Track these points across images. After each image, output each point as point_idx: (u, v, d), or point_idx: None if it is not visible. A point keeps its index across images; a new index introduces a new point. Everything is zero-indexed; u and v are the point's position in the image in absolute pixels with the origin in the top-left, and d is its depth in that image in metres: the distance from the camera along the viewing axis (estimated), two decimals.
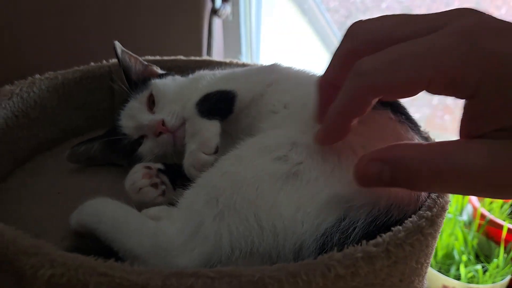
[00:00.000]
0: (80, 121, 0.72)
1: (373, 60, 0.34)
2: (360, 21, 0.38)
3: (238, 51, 1.67)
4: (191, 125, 0.55)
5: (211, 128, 0.53)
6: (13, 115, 0.62)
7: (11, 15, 0.77)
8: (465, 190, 0.33)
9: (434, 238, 0.42)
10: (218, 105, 0.55)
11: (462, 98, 0.33)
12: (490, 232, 1.28)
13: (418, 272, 0.42)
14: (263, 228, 0.40)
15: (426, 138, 0.55)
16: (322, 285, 0.34)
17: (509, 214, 1.35)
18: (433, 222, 0.40)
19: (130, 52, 0.69)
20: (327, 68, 0.41)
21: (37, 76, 0.67)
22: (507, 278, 1.17)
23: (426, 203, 0.42)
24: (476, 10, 0.34)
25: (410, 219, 0.40)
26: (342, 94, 0.37)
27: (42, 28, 0.82)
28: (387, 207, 0.40)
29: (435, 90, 0.33)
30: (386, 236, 0.38)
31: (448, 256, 1.26)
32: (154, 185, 0.54)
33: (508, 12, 1.45)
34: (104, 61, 0.75)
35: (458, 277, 1.20)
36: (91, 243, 0.45)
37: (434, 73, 0.32)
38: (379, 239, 0.37)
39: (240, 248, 0.40)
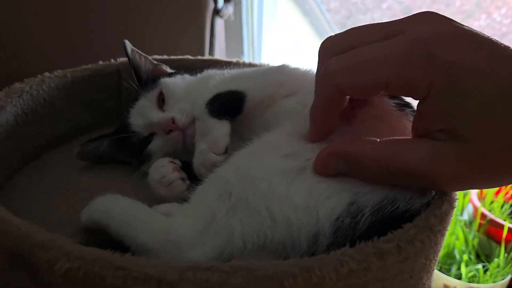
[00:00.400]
0: (88, 119, 0.73)
1: (338, 62, 0.38)
2: (329, 37, 0.42)
3: (240, 52, 1.68)
4: (201, 125, 0.56)
5: (221, 128, 0.53)
6: (23, 113, 0.63)
7: (21, 14, 0.77)
8: (413, 183, 0.38)
9: (442, 235, 0.43)
10: (228, 105, 0.56)
11: (416, 99, 0.36)
12: (490, 231, 1.28)
13: (427, 269, 0.43)
14: (276, 220, 0.40)
15: None
16: (335, 280, 0.34)
17: (509, 214, 1.36)
18: (442, 219, 0.41)
19: (140, 51, 0.69)
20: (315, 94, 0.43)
21: (47, 74, 0.68)
22: (508, 278, 1.18)
23: (435, 200, 0.43)
24: (437, 16, 0.37)
25: (420, 216, 0.40)
26: (316, 95, 0.41)
27: (51, 27, 0.82)
28: (393, 197, 0.41)
29: (392, 91, 0.36)
30: (397, 232, 0.38)
31: (449, 255, 1.26)
32: (183, 179, 0.55)
33: (508, 12, 1.45)
34: (112, 60, 0.76)
35: (459, 277, 1.20)
36: (102, 239, 0.46)
37: (390, 77, 0.35)
38: (390, 235, 0.38)
39: (252, 241, 0.40)
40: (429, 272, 0.44)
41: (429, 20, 0.36)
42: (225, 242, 0.41)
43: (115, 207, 0.46)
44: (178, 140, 0.59)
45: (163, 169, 0.55)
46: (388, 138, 0.39)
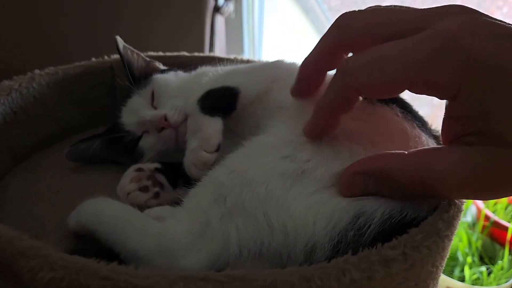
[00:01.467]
0: (80, 117, 0.71)
1: (358, 61, 0.35)
2: (351, 13, 0.39)
3: (240, 49, 1.66)
4: (193, 122, 0.54)
5: (213, 126, 0.51)
6: (12, 111, 0.61)
7: (12, 10, 0.75)
8: (447, 194, 0.36)
9: (450, 240, 0.41)
10: (221, 101, 0.54)
11: (444, 99, 0.34)
12: (494, 233, 1.26)
13: (433, 276, 0.40)
14: (273, 227, 0.38)
15: (437, 137, 0.54)
16: None
17: None
18: (450, 224, 0.39)
19: (132, 48, 0.67)
20: (313, 51, 0.42)
21: (37, 71, 0.65)
22: None
23: (442, 204, 0.41)
24: (466, 9, 0.34)
25: (427, 220, 0.38)
26: (329, 90, 0.38)
27: (43, 22, 0.80)
28: (402, 205, 0.39)
29: (417, 90, 0.34)
30: (403, 238, 0.36)
31: (452, 257, 1.24)
32: (144, 189, 0.52)
33: (509, 12, 1.44)
34: (106, 57, 0.74)
35: (462, 279, 1.18)
36: (92, 244, 0.44)
37: (415, 77, 0.33)
38: (395, 241, 0.36)
39: (248, 248, 0.38)
40: (435, 279, 0.42)
41: (457, 13, 0.33)
42: (220, 249, 0.39)
43: (104, 211, 0.44)
44: (171, 138, 0.57)
45: (123, 180, 0.53)
46: (416, 149, 0.37)
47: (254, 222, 0.39)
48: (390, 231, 0.37)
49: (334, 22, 0.40)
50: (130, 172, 0.54)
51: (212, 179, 0.44)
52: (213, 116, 0.52)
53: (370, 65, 0.34)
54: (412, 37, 0.33)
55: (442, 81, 0.32)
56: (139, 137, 0.60)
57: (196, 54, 0.80)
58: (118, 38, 0.65)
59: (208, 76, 0.60)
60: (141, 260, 0.39)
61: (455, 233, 0.41)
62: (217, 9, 1.13)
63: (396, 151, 0.37)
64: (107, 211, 0.44)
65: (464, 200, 0.43)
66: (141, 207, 0.50)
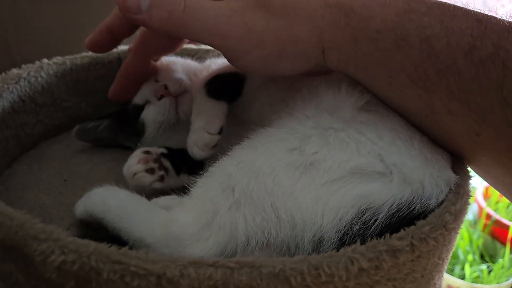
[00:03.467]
0: (87, 108, 0.71)
1: None
2: None
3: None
4: (198, 104, 0.54)
5: (217, 108, 0.53)
6: (20, 100, 0.61)
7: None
8: (200, 23, 0.41)
9: (456, 233, 0.41)
10: (227, 86, 0.55)
11: None
12: (495, 232, 1.27)
13: (439, 268, 0.41)
14: (281, 218, 0.39)
15: None
16: (345, 278, 0.33)
17: None
18: (456, 216, 0.39)
19: None
20: None
21: (45, 60, 0.65)
22: None
23: (449, 197, 0.41)
24: None
25: (434, 213, 0.39)
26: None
27: (51, 12, 0.80)
28: (409, 199, 0.39)
29: None
30: (410, 229, 0.36)
31: (453, 255, 1.25)
32: (150, 171, 0.53)
33: None
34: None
35: (462, 277, 1.19)
36: (99, 232, 0.44)
37: None
38: (403, 232, 0.36)
39: (256, 238, 0.39)
40: (441, 271, 0.42)
41: None
42: (228, 238, 0.39)
43: (112, 200, 0.44)
44: (170, 106, 0.57)
45: (130, 160, 0.53)
46: None
47: (261, 213, 0.39)
48: (397, 224, 0.38)
49: None
50: (138, 153, 0.54)
51: (220, 170, 0.44)
52: (218, 100, 0.53)
53: None
54: None
55: None
56: (141, 109, 0.61)
57: (203, 47, 0.79)
58: None
59: (216, 63, 0.61)
60: (148, 248, 0.40)
61: (461, 226, 0.42)
62: None
63: None
64: (114, 200, 0.44)
65: (471, 194, 0.43)
66: (146, 191, 0.51)
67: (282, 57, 0.43)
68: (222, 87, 0.54)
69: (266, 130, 0.47)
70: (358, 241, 0.35)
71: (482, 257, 1.27)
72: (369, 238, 0.36)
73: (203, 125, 0.51)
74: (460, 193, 0.41)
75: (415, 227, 0.37)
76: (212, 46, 0.44)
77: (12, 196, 0.54)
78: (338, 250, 0.34)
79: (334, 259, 0.33)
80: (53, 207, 0.53)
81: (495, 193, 1.35)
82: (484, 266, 1.20)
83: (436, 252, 0.38)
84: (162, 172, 0.53)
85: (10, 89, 0.59)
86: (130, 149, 0.64)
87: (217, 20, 0.41)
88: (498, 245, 1.26)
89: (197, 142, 0.51)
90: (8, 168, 0.60)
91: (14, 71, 0.61)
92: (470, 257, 1.21)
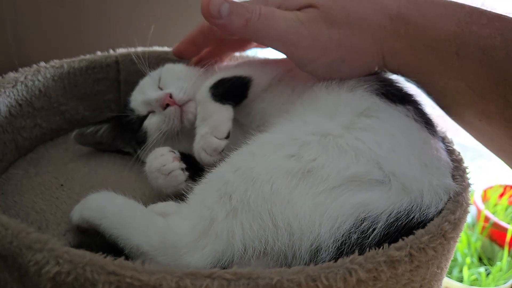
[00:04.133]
0: (85, 111, 0.70)
1: None
2: None
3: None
4: (203, 109, 0.54)
5: (224, 113, 0.52)
6: (17, 104, 0.60)
7: (18, 1, 0.74)
8: (272, 32, 0.46)
9: (455, 242, 0.41)
10: (233, 90, 0.54)
11: None
12: (493, 234, 1.26)
13: (438, 277, 0.41)
14: (278, 226, 0.38)
15: (443, 138, 0.54)
16: None
17: None
18: (456, 225, 0.39)
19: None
20: None
21: (42, 64, 0.65)
22: (510, 282, 1.16)
23: (448, 206, 0.41)
24: None
25: (433, 222, 0.38)
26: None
27: (49, 15, 0.79)
28: (408, 208, 0.39)
29: None
30: (409, 239, 0.36)
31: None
32: (183, 169, 0.53)
33: None
34: (111, 51, 0.73)
35: (460, 279, 1.19)
36: (96, 239, 0.43)
37: None
38: (401, 242, 0.36)
39: (253, 246, 0.38)
40: (439, 280, 0.42)
41: None
42: (225, 246, 0.39)
43: (109, 206, 0.44)
44: (176, 116, 0.57)
45: (163, 158, 0.52)
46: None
47: (259, 221, 0.39)
48: (396, 233, 0.37)
49: None
50: (166, 151, 0.53)
51: (217, 177, 0.43)
52: (224, 104, 0.52)
53: None
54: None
55: None
56: (144, 118, 0.60)
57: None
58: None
59: (221, 67, 0.61)
60: (144, 256, 0.39)
61: (460, 235, 0.41)
62: None
63: None
64: (111, 206, 0.44)
65: (469, 202, 0.43)
66: (171, 190, 0.52)
67: (345, 63, 0.47)
68: (227, 90, 0.54)
69: (264, 135, 0.47)
70: (357, 251, 0.35)
71: (480, 259, 1.26)
72: (368, 248, 0.35)
73: (211, 130, 0.51)
74: (459, 201, 0.41)
75: (414, 236, 0.36)
76: (282, 53, 0.48)
77: (9, 200, 0.54)
78: (336, 260, 0.34)
79: (332, 270, 0.33)
80: (50, 212, 0.53)
81: (493, 196, 1.35)
82: (482, 269, 1.20)
83: (435, 261, 0.37)
84: (187, 173, 0.53)
85: (7, 93, 0.59)
86: (128, 154, 0.64)
87: (288, 30, 0.45)
88: (496, 247, 1.25)
89: (205, 148, 0.50)
90: (5, 173, 0.60)
91: (11, 74, 0.61)
92: (468, 259, 1.21)
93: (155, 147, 0.57)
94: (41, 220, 0.51)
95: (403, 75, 0.48)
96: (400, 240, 0.36)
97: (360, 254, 0.34)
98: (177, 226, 0.41)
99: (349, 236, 0.37)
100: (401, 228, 0.38)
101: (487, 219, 1.26)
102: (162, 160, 0.52)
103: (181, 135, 0.58)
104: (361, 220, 0.38)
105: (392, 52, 0.45)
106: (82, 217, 0.45)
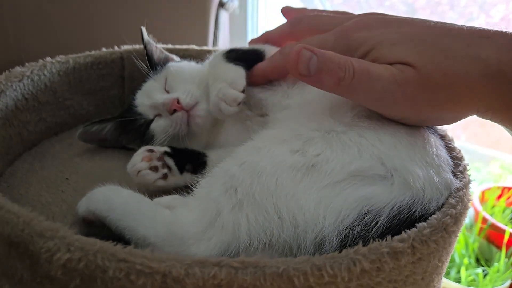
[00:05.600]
0: (89, 107, 0.71)
1: (291, 48, 0.48)
2: (305, 16, 0.57)
3: (244, 45, 1.65)
4: (216, 70, 0.55)
5: (239, 70, 0.53)
6: (23, 98, 0.61)
7: None
8: (366, 92, 0.43)
9: (456, 236, 0.41)
10: (246, 55, 0.56)
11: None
12: (491, 236, 1.27)
13: (439, 271, 0.41)
14: (283, 219, 0.39)
15: (443, 136, 0.55)
16: (347, 279, 0.33)
17: (510, 219, 1.35)
18: (457, 219, 0.40)
19: (153, 41, 0.69)
20: (274, 30, 0.61)
21: (48, 59, 0.66)
22: (507, 283, 1.17)
23: (449, 201, 0.42)
24: (369, 13, 0.50)
25: (434, 215, 0.39)
26: (268, 60, 0.55)
27: (55, 12, 0.80)
28: (410, 202, 0.40)
29: None
30: (411, 232, 0.37)
31: None
32: (154, 168, 0.53)
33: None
34: (116, 47, 0.74)
35: (458, 280, 1.19)
36: (102, 230, 0.44)
37: None
38: (404, 234, 0.36)
39: (258, 238, 0.39)
40: (440, 274, 0.43)
41: (359, 16, 0.49)
42: (230, 238, 0.39)
43: (115, 199, 0.44)
44: (183, 120, 0.57)
45: (134, 158, 0.54)
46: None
47: (264, 213, 0.39)
48: (398, 226, 0.38)
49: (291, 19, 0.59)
50: (142, 151, 0.54)
51: (223, 170, 0.44)
52: (237, 65, 0.54)
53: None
54: (327, 33, 0.48)
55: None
56: (151, 120, 0.61)
57: (205, 48, 0.80)
58: (143, 29, 0.67)
59: None
60: (152, 247, 0.40)
61: (461, 230, 0.42)
62: (221, 5, 1.13)
63: None
64: (117, 199, 0.44)
65: (471, 198, 0.44)
66: (149, 189, 0.52)
67: (438, 120, 0.46)
68: (241, 55, 0.55)
69: (268, 131, 0.47)
70: (360, 242, 0.35)
71: (477, 260, 1.27)
72: (371, 240, 0.36)
73: (229, 83, 0.52)
74: (460, 196, 0.42)
75: (416, 229, 0.37)
76: (375, 111, 0.46)
77: (15, 193, 0.55)
78: (340, 252, 0.35)
79: (336, 260, 0.33)
80: (55, 205, 0.53)
81: (491, 197, 1.36)
82: (479, 270, 1.20)
83: (436, 254, 0.38)
84: (165, 170, 0.54)
85: (14, 87, 0.59)
86: (133, 150, 0.65)
87: (383, 94, 0.42)
88: (494, 249, 1.26)
89: (224, 98, 0.51)
90: (11, 166, 0.60)
91: (18, 69, 0.62)
92: (466, 260, 1.22)
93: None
94: (47, 212, 0.52)
95: (495, 122, 0.44)
96: (403, 232, 0.37)
97: (364, 245, 0.35)
98: (184, 218, 0.42)
99: (352, 229, 0.38)
100: (403, 222, 0.39)
101: (484, 220, 1.27)
102: (132, 160, 0.53)
103: (188, 138, 0.59)
104: (364, 213, 0.38)
105: (488, 108, 0.42)
106: (89, 209, 0.46)
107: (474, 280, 1.20)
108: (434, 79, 0.41)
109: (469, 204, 0.43)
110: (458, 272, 1.20)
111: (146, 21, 0.68)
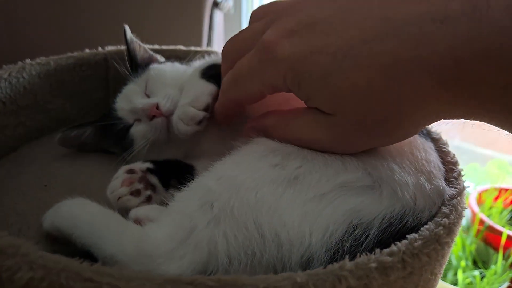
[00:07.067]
0: (72, 110, 0.69)
1: (226, 79, 0.45)
2: (228, 41, 0.47)
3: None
4: (188, 85, 0.54)
5: (206, 86, 0.51)
6: (0, 101, 0.59)
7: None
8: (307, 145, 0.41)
9: (450, 247, 0.39)
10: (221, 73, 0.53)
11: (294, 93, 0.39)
12: (488, 238, 1.26)
13: (432, 284, 0.39)
14: (265, 237, 0.36)
15: (436, 140, 0.52)
16: None
17: (508, 220, 1.34)
18: (450, 230, 0.38)
19: (137, 40, 0.66)
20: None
21: (28, 61, 0.63)
22: (505, 285, 1.16)
23: (443, 210, 0.39)
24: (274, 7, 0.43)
25: (426, 226, 0.37)
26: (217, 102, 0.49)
27: (36, 11, 0.78)
28: (401, 213, 0.37)
29: (271, 93, 0.42)
30: (402, 244, 0.35)
31: None
32: (136, 192, 0.50)
33: None
34: (100, 48, 0.72)
35: (455, 283, 1.18)
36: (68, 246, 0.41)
37: (260, 88, 0.41)
38: (394, 247, 0.34)
39: (239, 258, 0.36)
40: (433, 286, 0.40)
41: (278, 19, 0.40)
42: (206, 258, 0.36)
43: (81, 214, 0.42)
44: (162, 126, 0.55)
45: (114, 182, 0.50)
46: (287, 109, 0.43)
47: (243, 230, 0.37)
48: (389, 239, 0.36)
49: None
50: (121, 174, 0.51)
51: (200, 185, 0.41)
52: (209, 81, 0.52)
53: (231, 83, 0.44)
54: (248, 54, 0.41)
55: (276, 85, 0.40)
56: (131, 125, 0.58)
57: (192, 48, 0.78)
58: (127, 27, 0.64)
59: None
60: (119, 265, 0.37)
61: (455, 240, 0.40)
62: (216, 4, 1.12)
63: (279, 110, 0.44)
64: (83, 214, 0.42)
65: (464, 205, 0.42)
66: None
67: (392, 141, 0.41)
68: (216, 72, 0.52)
69: (247, 146, 0.44)
70: (347, 257, 0.33)
71: (475, 263, 1.26)
72: (359, 254, 0.34)
73: (189, 101, 0.50)
74: (453, 205, 0.40)
75: (406, 242, 0.35)
76: None
77: None
78: (325, 267, 0.32)
79: (320, 277, 0.31)
80: (31, 214, 0.51)
81: (488, 199, 1.35)
82: (476, 272, 1.19)
83: (428, 268, 0.36)
84: (149, 192, 0.50)
85: None
86: (115, 154, 0.62)
87: (310, 142, 0.41)
88: (491, 251, 1.25)
89: (182, 117, 0.50)
90: None
91: None
92: (463, 263, 1.20)
93: (141, 152, 0.56)
94: (21, 222, 0.49)
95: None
96: (393, 245, 0.34)
97: (350, 260, 0.33)
98: (154, 234, 0.39)
99: (342, 245, 0.35)
100: (395, 234, 0.36)
101: (482, 222, 1.26)
102: (111, 186, 0.50)
103: (168, 143, 0.56)
104: (354, 227, 0.36)
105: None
106: (53, 225, 0.43)
107: (471, 283, 1.19)
108: (366, 120, 0.36)
109: (464, 212, 0.41)
110: (455, 274, 1.19)
111: (140, 21, 0.66)
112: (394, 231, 0.36)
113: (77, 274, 0.30)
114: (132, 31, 0.66)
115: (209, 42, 1.12)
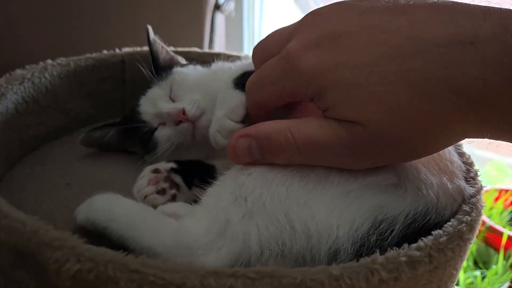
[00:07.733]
0: (90, 110, 0.70)
1: (249, 81, 0.45)
2: (257, 44, 0.47)
3: (239, 47, 1.65)
4: (222, 94, 0.52)
5: (242, 97, 0.50)
6: (23, 101, 0.60)
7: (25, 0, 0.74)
8: (319, 158, 0.39)
9: (470, 244, 0.41)
10: None
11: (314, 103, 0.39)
12: (489, 238, 1.27)
13: (453, 279, 0.41)
14: (295, 229, 0.38)
15: (461, 154, 0.54)
16: None
17: (508, 221, 1.36)
18: (472, 227, 0.39)
19: (159, 41, 0.67)
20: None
21: (49, 61, 0.64)
22: (506, 285, 1.17)
23: (463, 208, 0.41)
24: (314, 18, 0.40)
25: (450, 223, 0.38)
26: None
27: (55, 15, 0.79)
28: (425, 210, 0.39)
29: (290, 101, 0.42)
30: (428, 240, 0.36)
31: None
32: (162, 191, 0.51)
33: None
34: (117, 50, 0.73)
35: (456, 283, 1.19)
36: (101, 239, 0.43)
37: (281, 94, 0.41)
38: (421, 243, 0.36)
39: (270, 249, 0.38)
40: (453, 282, 0.42)
41: (304, 29, 0.39)
42: (241, 248, 0.38)
43: (117, 208, 0.43)
44: (188, 131, 0.56)
45: (140, 182, 0.52)
46: (293, 119, 0.41)
47: (275, 223, 0.38)
48: (414, 234, 0.38)
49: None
50: (147, 173, 0.52)
51: (231, 179, 0.43)
52: (243, 91, 0.50)
53: (254, 86, 0.44)
54: (272, 59, 0.41)
55: (296, 94, 0.39)
56: (155, 129, 0.60)
57: (207, 51, 0.79)
58: (149, 28, 0.65)
59: (230, 69, 0.60)
60: (158, 257, 0.39)
61: (475, 237, 0.42)
62: (217, 7, 1.13)
63: (278, 120, 0.41)
64: (119, 208, 0.43)
65: (483, 204, 0.44)
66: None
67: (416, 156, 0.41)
68: None
69: None
70: (378, 251, 0.35)
71: (475, 263, 1.28)
72: (389, 249, 0.35)
73: (226, 113, 0.49)
74: (474, 203, 0.42)
75: (432, 237, 0.37)
76: None
77: (15, 198, 0.53)
78: (357, 261, 0.34)
79: (354, 270, 0.33)
80: (57, 211, 0.52)
81: (489, 200, 1.37)
82: (477, 273, 1.21)
83: (452, 262, 0.38)
84: (174, 191, 0.52)
85: (14, 90, 0.58)
86: (135, 153, 0.64)
87: (334, 158, 0.39)
88: (492, 251, 1.27)
89: (220, 130, 0.49)
90: (10, 170, 0.59)
91: (18, 71, 0.60)
92: (464, 263, 1.21)
93: (164, 154, 0.57)
94: (48, 218, 0.50)
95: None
96: (420, 240, 0.36)
97: (380, 254, 0.34)
98: (192, 228, 0.40)
99: (367, 238, 0.37)
100: (419, 229, 0.38)
101: (482, 222, 1.27)
102: (138, 185, 0.52)
103: (192, 147, 0.57)
104: (379, 222, 0.38)
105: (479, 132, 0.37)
106: (88, 218, 0.44)
107: (472, 283, 1.21)
108: (387, 134, 0.35)
109: (483, 210, 0.43)
110: None
111: (140, 23, 0.67)
112: (418, 227, 0.38)
113: (124, 266, 0.31)
114: (137, 34, 0.67)
115: (210, 44, 1.13)
